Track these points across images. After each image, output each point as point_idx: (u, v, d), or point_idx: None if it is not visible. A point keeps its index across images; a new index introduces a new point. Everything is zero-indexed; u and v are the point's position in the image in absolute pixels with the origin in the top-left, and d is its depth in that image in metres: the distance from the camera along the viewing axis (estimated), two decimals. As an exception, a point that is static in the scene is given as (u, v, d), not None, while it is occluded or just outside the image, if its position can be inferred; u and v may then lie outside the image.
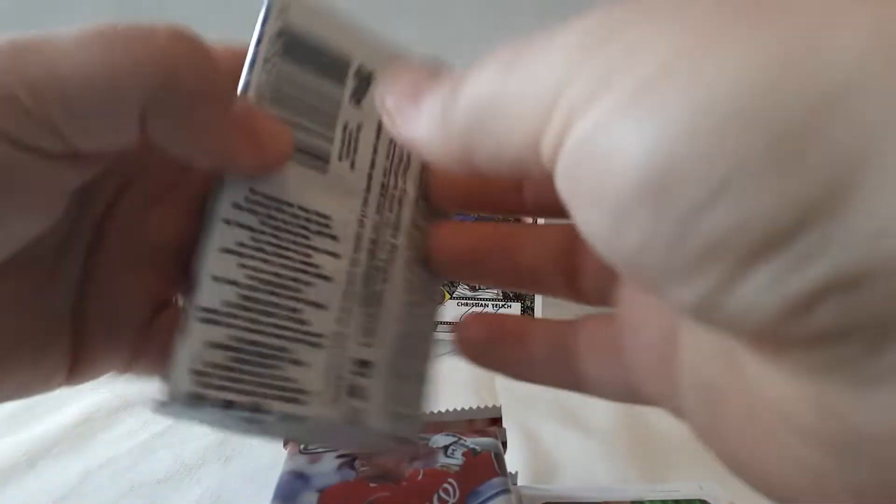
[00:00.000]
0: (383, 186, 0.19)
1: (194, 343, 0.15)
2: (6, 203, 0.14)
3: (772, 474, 0.13)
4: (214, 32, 0.17)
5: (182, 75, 0.14)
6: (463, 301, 0.60)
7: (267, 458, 0.44)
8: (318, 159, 0.18)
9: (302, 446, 0.32)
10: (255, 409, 0.16)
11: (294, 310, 0.17)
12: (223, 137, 0.16)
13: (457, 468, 0.29)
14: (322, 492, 0.28)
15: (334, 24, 0.18)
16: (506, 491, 0.28)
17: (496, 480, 0.28)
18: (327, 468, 0.30)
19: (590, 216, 0.11)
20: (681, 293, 0.10)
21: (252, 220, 0.17)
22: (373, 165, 0.19)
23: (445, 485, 0.28)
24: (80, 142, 0.14)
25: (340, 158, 0.18)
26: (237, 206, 0.16)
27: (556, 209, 0.15)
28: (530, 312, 0.60)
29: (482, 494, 0.28)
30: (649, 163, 0.10)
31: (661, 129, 0.10)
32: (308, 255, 0.17)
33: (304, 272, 0.17)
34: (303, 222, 0.17)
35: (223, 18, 0.54)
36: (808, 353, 0.10)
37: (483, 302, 0.60)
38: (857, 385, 0.10)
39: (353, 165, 0.19)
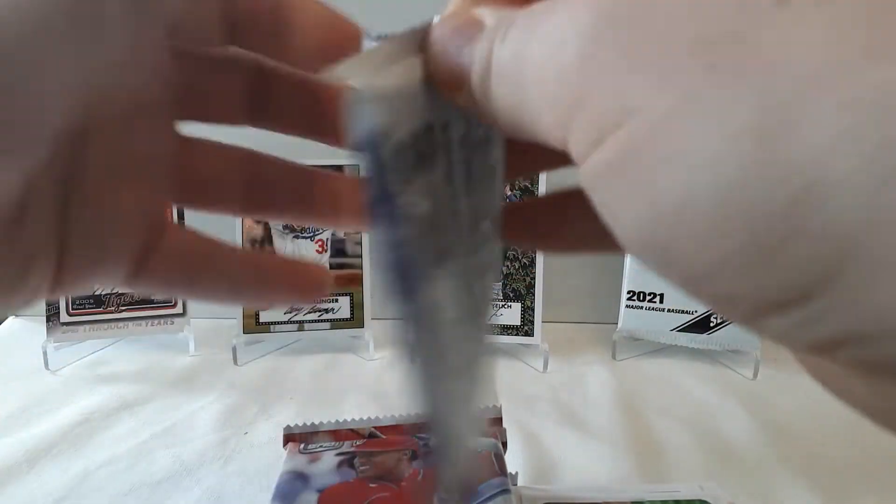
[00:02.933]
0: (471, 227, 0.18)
1: None
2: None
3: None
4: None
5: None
6: (463, 301, 0.60)
7: (267, 458, 0.44)
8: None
9: (302, 445, 0.32)
10: None
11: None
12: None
13: (457, 468, 0.29)
14: (322, 492, 0.28)
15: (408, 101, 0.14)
16: (506, 491, 0.28)
17: (496, 480, 0.28)
18: (327, 468, 0.30)
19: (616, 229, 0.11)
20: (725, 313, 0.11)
21: None
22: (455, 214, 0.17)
23: (445, 485, 0.28)
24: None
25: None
26: None
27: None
28: (530, 313, 0.60)
29: (482, 494, 0.28)
30: (640, 235, 0.10)
31: (648, 204, 0.10)
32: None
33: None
34: None
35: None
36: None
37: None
38: None
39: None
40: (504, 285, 0.61)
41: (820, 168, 0.08)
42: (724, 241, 0.09)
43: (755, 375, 0.56)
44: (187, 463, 0.43)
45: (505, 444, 0.33)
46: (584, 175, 0.11)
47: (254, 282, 0.21)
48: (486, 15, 0.14)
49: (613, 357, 0.60)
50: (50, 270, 0.17)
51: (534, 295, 0.60)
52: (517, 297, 0.61)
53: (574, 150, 0.11)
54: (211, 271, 0.20)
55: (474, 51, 0.14)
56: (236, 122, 0.21)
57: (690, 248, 0.10)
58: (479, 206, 0.18)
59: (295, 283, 0.21)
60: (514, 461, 0.33)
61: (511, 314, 0.60)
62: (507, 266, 0.61)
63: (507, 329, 0.60)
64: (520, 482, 0.37)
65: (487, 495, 0.27)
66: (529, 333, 0.60)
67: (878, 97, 0.08)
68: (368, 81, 0.13)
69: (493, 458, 0.30)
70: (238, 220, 0.59)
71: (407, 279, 0.15)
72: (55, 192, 0.17)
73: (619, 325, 0.60)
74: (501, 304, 0.61)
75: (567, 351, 0.62)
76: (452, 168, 0.16)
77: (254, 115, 0.20)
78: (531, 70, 0.12)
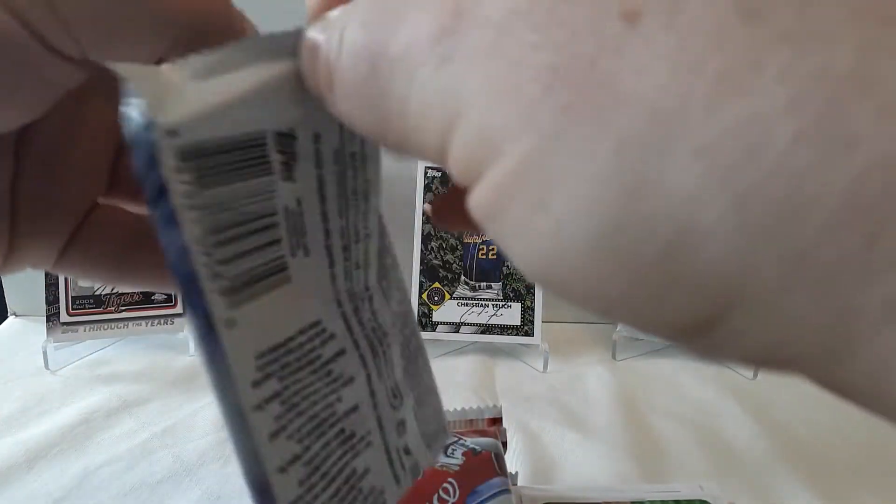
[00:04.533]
0: (345, 249, 0.17)
1: None
2: (6, 84, 0.14)
3: None
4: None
5: (212, 19, 0.15)
6: (463, 301, 0.60)
7: (267, 459, 0.44)
8: (280, 272, 0.15)
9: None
10: None
11: (342, 432, 0.16)
12: None
13: (457, 468, 0.29)
14: (322, 492, 0.28)
15: (223, 105, 0.13)
16: (506, 491, 0.28)
17: (496, 480, 0.28)
18: (327, 468, 0.30)
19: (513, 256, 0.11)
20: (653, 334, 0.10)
21: (274, 386, 0.15)
22: (327, 234, 0.17)
23: (445, 484, 0.28)
24: (93, 51, 0.14)
25: (294, 254, 0.16)
26: (256, 385, 0.14)
27: None
28: (530, 313, 0.60)
29: (482, 494, 0.28)
30: (532, 272, 0.10)
31: (530, 247, 0.09)
32: (328, 373, 0.16)
33: (331, 392, 0.16)
34: (307, 348, 0.16)
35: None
36: None
37: (483, 302, 0.60)
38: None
39: (306, 250, 0.16)
40: (504, 285, 0.61)
41: (687, 216, 0.08)
42: (610, 285, 0.09)
43: (755, 375, 0.56)
44: (187, 463, 0.43)
45: (505, 444, 0.33)
46: (470, 208, 0.11)
47: None
48: (331, 15, 0.13)
49: (613, 357, 0.61)
50: (4, 234, 0.18)
51: (534, 295, 0.60)
52: (517, 297, 0.61)
53: (455, 178, 0.11)
54: (142, 248, 0.20)
55: (316, 57, 0.13)
56: None
57: (581, 288, 0.09)
58: (352, 226, 0.17)
59: None
60: (514, 461, 0.33)
61: (511, 314, 0.60)
62: (507, 266, 0.61)
63: (507, 329, 0.60)
64: (520, 482, 0.37)
65: (487, 495, 0.27)
66: (529, 333, 0.60)
67: (731, 142, 0.08)
68: (145, 75, 0.12)
69: (493, 458, 0.30)
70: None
71: (189, 297, 0.13)
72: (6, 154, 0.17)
73: (619, 325, 0.60)
74: (501, 303, 0.61)
75: (567, 351, 0.62)
76: (323, 182, 0.15)
77: None
78: (388, 83, 0.11)
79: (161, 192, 0.12)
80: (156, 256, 0.20)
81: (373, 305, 0.18)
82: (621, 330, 0.60)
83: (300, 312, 0.16)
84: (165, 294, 0.60)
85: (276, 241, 0.15)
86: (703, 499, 0.33)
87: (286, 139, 0.15)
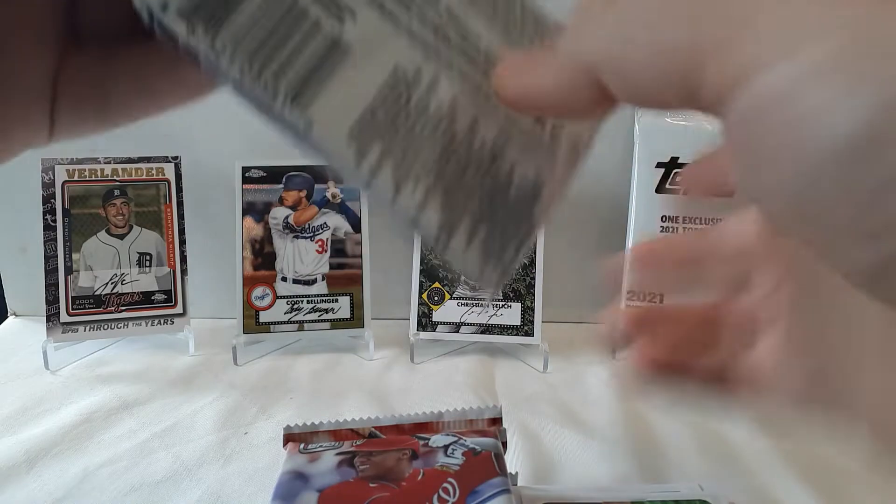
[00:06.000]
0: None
1: None
2: None
3: None
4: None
5: None
6: (463, 301, 0.60)
7: (267, 458, 0.44)
8: (334, 49, 0.17)
9: (302, 445, 0.32)
10: None
11: (462, 142, 0.17)
12: None
13: (457, 468, 0.29)
14: (322, 492, 0.28)
15: None
16: (506, 491, 0.28)
17: (496, 480, 0.28)
18: (327, 468, 0.30)
19: (771, 167, 0.12)
20: (855, 257, 0.11)
21: (379, 147, 0.17)
22: None
23: (445, 484, 0.28)
24: None
25: (342, 23, 0.17)
26: (361, 155, 0.16)
27: None
28: (530, 313, 0.60)
29: (482, 494, 0.28)
30: (850, 131, 0.10)
31: (870, 100, 0.10)
32: (423, 108, 0.17)
33: (436, 121, 0.17)
34: (392, 98, 0.17)
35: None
36: None
37: (483, 302, 0.60)
38: None
39: (352, 13, 0.17)
40: (504, 285, 0.61)
41: None
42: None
43: (755, 375, 0.56)
44: (187, 463, 0.43)
45: (505, 444, 0.33)
46: (723, 123, 0.12)
47: (164, 74, 0.21)
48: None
49: (613, 357, 0.61)
50: None
51: (534, 295, 0.60)
52: (517, 297, 0.61)
53: (709, 96, 0.12)
54: (124, 73, 0.21)
55: None
56: None
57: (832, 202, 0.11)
58: None
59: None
60: (514, 461, 0.33)
61: (511, 314, 0.60)
62: (507, 266, 0.61)
63: (506, 329, 0.60)
64: (520, 482, 0.37)
65: (487, 495, 0.27)
66: (529, 333, 0.60)
67: None
68: None
69: (493, 458, 0.30)
70: (238, 221, 0.59)
71: (269, 118, 0.17)
72: None
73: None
74: (501, 303, 0.61)
75: (567, 351, 0.62)
76: None
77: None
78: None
79: (191, 54, 0.15)
80: (135, 83, 0.20)
81: (455, 18, 0.18)
82: (621, 330, 0.60)
83: (372, 73, 0.17)
84: (165, 294, 0.60)
85: (315, 25, 0.16)
86: (703, 499, 0.33)
87: None
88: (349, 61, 0.16)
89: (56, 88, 0.20)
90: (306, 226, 0.61)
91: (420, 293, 0.61)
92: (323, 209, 0.61)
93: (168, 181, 0.61)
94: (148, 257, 0.60)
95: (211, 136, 0.64)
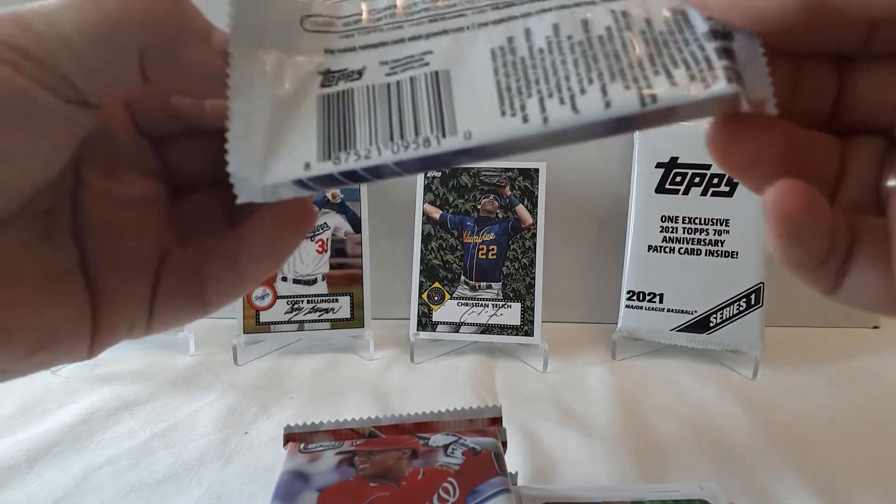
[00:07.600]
0: None
1: None
2: (28, 133, 0.16)
3: None
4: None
5: (168, 20, 0.17)
6: (463, 301, 0.60)
7: (267, 458, 0.44)
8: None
9: (302, 445, 0.32)
10: None
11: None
12: (208, 65, 0.18)
13: (456, 467, 0.29)
14: (322, 491, 0.28)
15: None
16: (506, 490, 0.28)
17: (496, 480, 0.28)
18: (327, 467, 0.30)
19: None
20: None
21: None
22: None
23: (445, 484, 0.28)
24: (87, 87, 0.17)
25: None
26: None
27: None
28: (530, 313, 0.60)
29: (482, 494, 0.28)
30: None
31: None
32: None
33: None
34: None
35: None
36: None
37: (483, 302, 0.60)
38: None
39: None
40: (504, 285, 0.61)
41: None
42: None
43: (755, 375, 0.56)
44: (187, 463, 0.43)
45: (505, 444, 0.33)
46: None
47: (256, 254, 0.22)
48: None
49: (613, 357, 0.61)
50: (85, 304, 0.19)
51: (534, 295, 0.60)
52: (517, 297, 0.61)
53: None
54: (217, 268, 0.22)
55: None
56: None
57: None
58: None
59: (283, 218, 0.22)
60: (514, 461, 0.34)
61: (511, 314, 0.60)
62: (507, 266, 0.61)
63: (506, 329, 0.60)
64: (520, 482, 0.37)
65: (487, 495, 0.28)
66: (529, 333, 0.60)
67: None
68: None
69: (493, 458, 0.30)
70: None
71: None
72: (65, 227, 0.20)
73: (619, 324, 0.60)
74: (501, 303, 0.61)
75: (567, 351, 0.62)
76: None
77: None
78: None
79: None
80: (232, 274, 0.22)
81: None
82: (621, 330, 0.60)
83: (475, 68, 0.19)
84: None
85: (412, 81, 0.19)
86: (703, 498, 0.33)
87: None
88: (454, 78, 0.18)
89: (157, 280, 0.21)
90: (306, 226, 0.61)
91: (420, 293, 0.61)
92: (323, 209, 0.61)
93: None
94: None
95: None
